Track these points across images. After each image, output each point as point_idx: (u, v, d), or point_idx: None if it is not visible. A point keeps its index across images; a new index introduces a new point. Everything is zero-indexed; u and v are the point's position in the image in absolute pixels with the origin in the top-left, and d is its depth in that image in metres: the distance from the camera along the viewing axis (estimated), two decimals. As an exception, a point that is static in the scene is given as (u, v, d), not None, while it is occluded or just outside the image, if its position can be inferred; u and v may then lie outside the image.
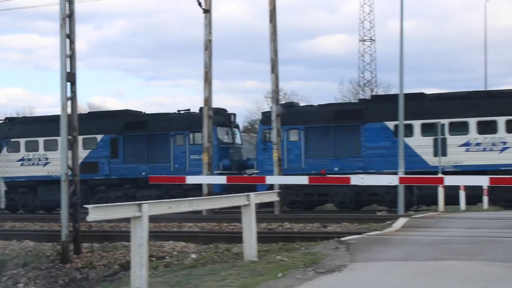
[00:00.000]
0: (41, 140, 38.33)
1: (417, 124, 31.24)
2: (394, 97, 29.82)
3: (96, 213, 8.70)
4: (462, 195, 27.10)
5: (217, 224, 21.81)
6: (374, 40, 76.17)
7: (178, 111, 37.44)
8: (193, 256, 13.84)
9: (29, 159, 38.57)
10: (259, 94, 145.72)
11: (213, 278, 9.68)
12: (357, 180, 9.24)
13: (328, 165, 32.26)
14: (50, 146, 37.61)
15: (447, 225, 17.38)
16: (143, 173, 35.28)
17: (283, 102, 36.94)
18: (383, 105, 32.31)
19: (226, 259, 12.77)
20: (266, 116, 34.10)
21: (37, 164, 38.30)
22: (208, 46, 30.34)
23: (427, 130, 31.17)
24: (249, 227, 11.82)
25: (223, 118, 36.60)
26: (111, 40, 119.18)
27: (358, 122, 32.54)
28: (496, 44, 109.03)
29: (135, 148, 36.29)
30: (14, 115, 52.43)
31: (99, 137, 37.21)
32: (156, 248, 15.40)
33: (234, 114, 38.07)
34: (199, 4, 29.90)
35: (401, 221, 17.90)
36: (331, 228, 19.59)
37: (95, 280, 14.31)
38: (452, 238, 13.57)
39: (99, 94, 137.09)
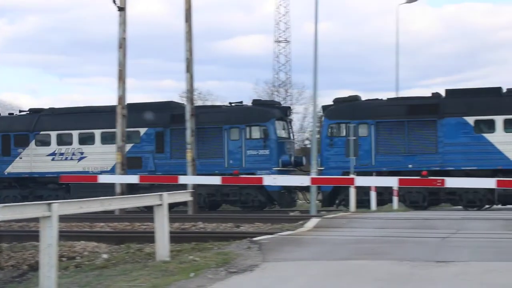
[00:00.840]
0: (75, 133, 35.79)
1: (499, 119, 29.98)
2: (472, 91, 29.84)
3: (3, 213, 8.49)
4: (373, 195, 27.55)
5: (129, 224, 21.59)
6: (289, 41, 76.77)
7: (230, 103, 35.31)
8: (105, 256, 13.66)
9: (61, 154, 35.90)
10: (176, 93, 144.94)
11: (124, 278, 9.59)
12: (269, 180, 9.27)
13: (401, 162, 31.04)
14: (86, 140, 35.51)
15: (358, 225, 17.65)
16: None
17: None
18: (462, 99, 30.84)
19: (138, 259, 12.65)
20: (332, 110, 32.70)
21: (71, 159, 35.68)
22: (122, 44, 30.02)
23: (510, 126, 30.02)
24: (162, 227, 11.75)
25: (280, 111, 34.69)
26: (26, 36, 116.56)
27: (434, 116, 30.88)
28: (409, 47, 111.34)
29: (183, 143, 32.63)
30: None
31: (142, 130, 34.79)
32: (67, 248, 15.13)
33: (289, 108, 35.90)
34: (114, 1, 29.57)
35: (313, 221, 18.09)
36: (244, 228, 19.62)
37: (2, 281, 13.97)
38: (362, 238, 13.81)
39: (12, 90, 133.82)
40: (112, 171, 33.52)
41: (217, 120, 33.91)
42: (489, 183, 16.92)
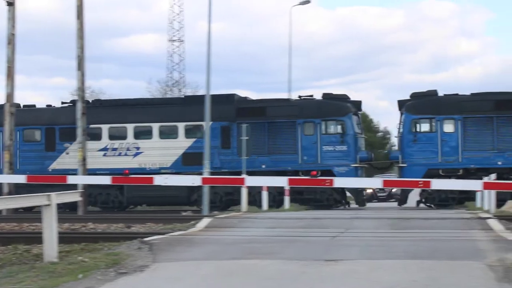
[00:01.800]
0: (130, 126, 33.45)
1: None
2: None
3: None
4: (264, 195, 27.76)
5: (17, 224, 21.05)
6: (183, 40, 76.68)
7: (300, 97, 33.95)
8: (-10, 258, 13.27)
9: (114, 149, 33.51)
10: (67, 91, 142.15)
11: (10, 281, 9.32)
12: (160, 180, 9.21)
13: (490, 158, 30.55)
14: (142, 134, 33.27)
15: (250, 225, 17.76)
16: (263, 166, 31.81)
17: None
18: None
19: (25, 261, 12.35)
20: (414, 105, 31.76)
21: (125, 155, 33.36)
22: (11, 40, 29.31)
23: None
24: (50, 227, 11.48)
25: (354, 106, 33.30)
26: None
27: None
28: (303, 49, 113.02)
29: (252, 138, 31.00)
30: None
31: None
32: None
33: (361, 102, 34.67)
34: (2, -4, 28.82)
35: (205, 221, 18.09)
36: (135, 229, 19.42)
37: None
38: (253, 238, 13.88)
39: None
40: (172, 168, 31.94)
41: (289, 114, 32.45)
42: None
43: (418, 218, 20.05)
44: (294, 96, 35.22)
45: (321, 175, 29.63)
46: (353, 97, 34.14)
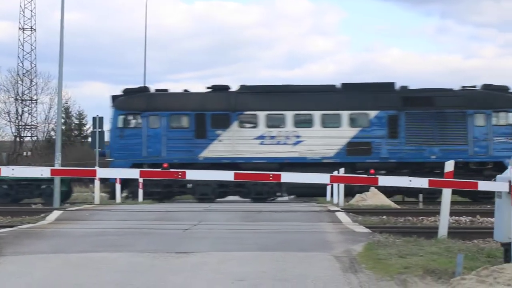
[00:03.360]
0: (289, 114, 31.63)
1: None
2: None
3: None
4: (118, 188, 27.49)
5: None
6: (35, 29, 74.53)
7: (463, 87, 32.54)
8: None
9: (272, 137, 31.54)
10: None
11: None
12: (7, 171, 8.90)
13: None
14: (303, 122, 31.54)
15: (102, 218, 17.55)
16: (433, 157, 30.60)
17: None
18: None
19: None
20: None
21: (284, 144, 31.44)
22: None
23: None
24: None
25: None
26: None
27: None
28: (160, 42, 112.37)
29: (420, 128, 30.47)
30: None
31: (372, 113, 31.47)
32: None
33: None
34: None
35: (55, 214, 17.74)
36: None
37: None
38: (104, 231, 13.71)
39: None
40: (335, 158, 30.87)
41: (458, 104, 31.60)
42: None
43: (270, 211, 20.42)
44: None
45: (492, 167, 30.43)
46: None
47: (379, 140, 31.51)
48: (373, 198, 26.21)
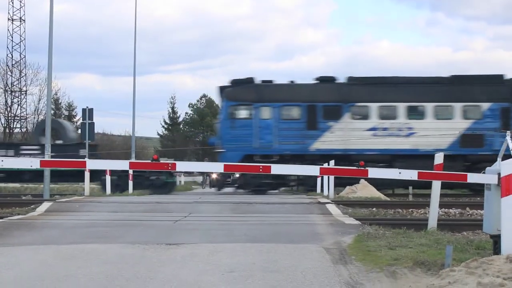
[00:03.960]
0: (401, 106, 31.61)
1: None
2: None
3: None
4: (108, 179, 27.45)
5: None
6: (24, 20, 74.19)
7: None
8: None
9: (385, 129, 31.52)
10: None
11: None
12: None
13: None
14: (415, 114, 31.51)
15: (92, 209, 17.53)
16: None
17: None
18: None
19: None
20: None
21: (397, 135, 31.44)
22: None
23: None
24: None
25: None
26: None
27: None
28: (151, 33, 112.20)
29: None
30: None
31: (485, 105, 31.43)
32: None
33: None
34: None
35: (45, 205, 17.71)
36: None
37: None
38: (95, 222, 13.71)
39: None
40: (449, 150, 30.33)
41: None
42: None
43: (260, 202, 20.43)
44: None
45: None
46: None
47: (491, 133, 31.57)
48: (363, 190, 26.30)
